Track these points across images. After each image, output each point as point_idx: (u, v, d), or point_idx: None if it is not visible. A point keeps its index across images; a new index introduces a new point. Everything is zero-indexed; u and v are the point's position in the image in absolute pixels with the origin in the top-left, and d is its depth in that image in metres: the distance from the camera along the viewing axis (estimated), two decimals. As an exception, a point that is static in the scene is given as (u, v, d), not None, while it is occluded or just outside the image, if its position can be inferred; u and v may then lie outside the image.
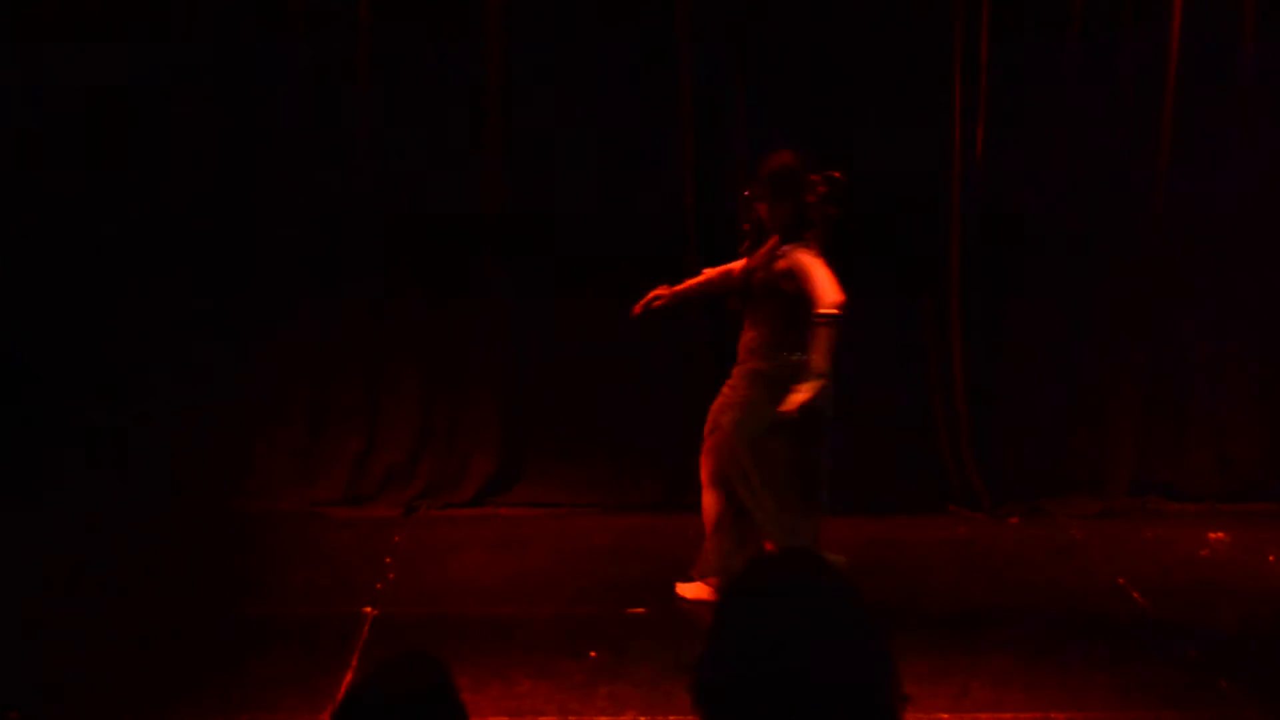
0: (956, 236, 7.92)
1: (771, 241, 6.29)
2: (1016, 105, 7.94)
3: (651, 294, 6.58)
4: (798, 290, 6.12)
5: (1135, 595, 6.74)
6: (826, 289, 6.03)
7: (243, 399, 7.97)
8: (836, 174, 6.23)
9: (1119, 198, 8.02)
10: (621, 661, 5.87)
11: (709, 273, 6.65)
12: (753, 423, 6.21)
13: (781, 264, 6.20)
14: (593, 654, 5.94)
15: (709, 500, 6.38)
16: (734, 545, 6.26)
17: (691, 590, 6.43)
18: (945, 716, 5.38)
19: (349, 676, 5.54)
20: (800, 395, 5.97)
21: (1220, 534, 7.65)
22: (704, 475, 6.39)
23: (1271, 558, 7.33)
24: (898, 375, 8.10)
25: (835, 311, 6.01)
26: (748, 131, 7.83)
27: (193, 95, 7.69)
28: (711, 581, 6.33)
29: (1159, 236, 8.03)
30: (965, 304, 8.02)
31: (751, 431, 6.21)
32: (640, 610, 6.48)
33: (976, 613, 6.52)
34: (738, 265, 6.49)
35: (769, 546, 6.05)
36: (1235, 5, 7.93)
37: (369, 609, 6.43)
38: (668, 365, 8.04)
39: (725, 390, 6.38)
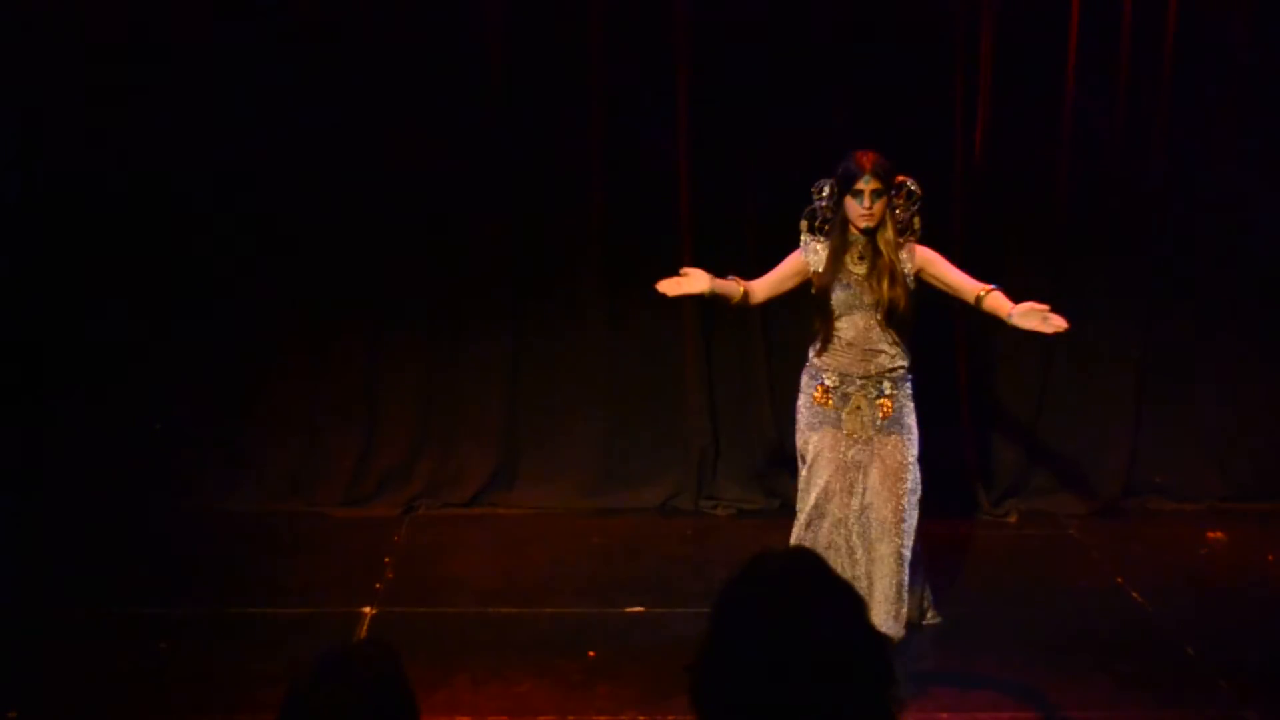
0: (959, 237, 7.91)
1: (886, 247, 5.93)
2: (1017, 104, 7.93)
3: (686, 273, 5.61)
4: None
5: (1134, 595, 6.74)
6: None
7: (242, 399, 7.96)
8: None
9: (1117, 197, 8.01)
10: (621, 661, 5.88)
11: (756, 285, 5.74)
12: None
13: (909, 265, 5.97)
14: (592, 653, 5.95)
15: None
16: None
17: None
18: (945, 716, 5.38)
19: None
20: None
21: (1219, 534, 7.65)
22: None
23: (1271, 558, 7.33)
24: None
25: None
26: (744, 133, 7.83)
27: (197, 101, 7.69)
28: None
29: (1158, 235, 8.03)
30: (966, 303, 8.00)
31: None
32: (639, 610, 6.49)
33: (976, 613, 6.51)
34: (790, 269, 5.77)
35: None
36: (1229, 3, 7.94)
37: (368, 608, 6.44)
38: (668, 366, 8.04)
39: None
